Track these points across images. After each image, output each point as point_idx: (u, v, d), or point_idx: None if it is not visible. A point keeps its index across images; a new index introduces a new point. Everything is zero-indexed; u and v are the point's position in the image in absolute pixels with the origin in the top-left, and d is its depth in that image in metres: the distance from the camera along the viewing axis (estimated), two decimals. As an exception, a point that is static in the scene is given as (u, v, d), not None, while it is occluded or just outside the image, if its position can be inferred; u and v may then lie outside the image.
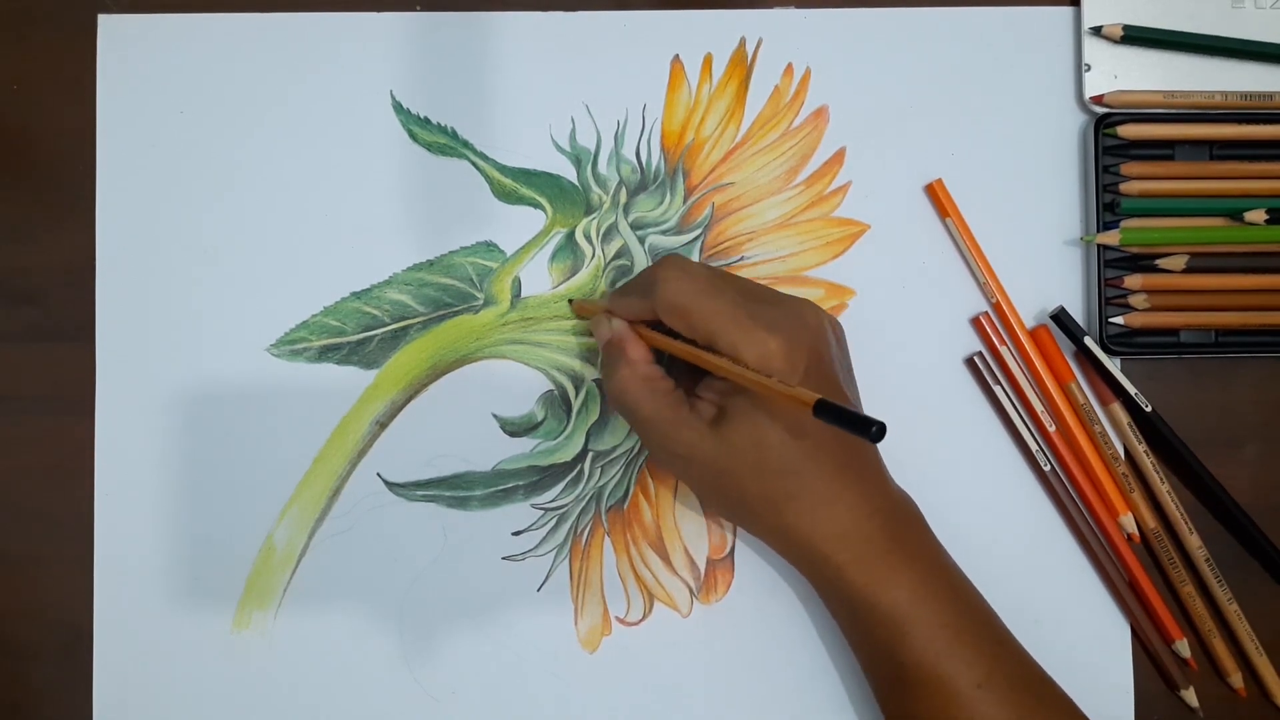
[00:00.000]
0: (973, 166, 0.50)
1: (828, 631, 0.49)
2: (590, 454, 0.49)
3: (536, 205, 0.50)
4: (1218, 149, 0.50)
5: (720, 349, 0.41)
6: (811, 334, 0.42)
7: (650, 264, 0.49)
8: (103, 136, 0.50)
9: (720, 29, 0.51)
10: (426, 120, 0.50)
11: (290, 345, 0.50)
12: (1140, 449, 0.49)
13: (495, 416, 0.49)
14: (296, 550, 0.49)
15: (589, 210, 0.50)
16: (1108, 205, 0.49)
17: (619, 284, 0.49)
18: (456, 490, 0.49)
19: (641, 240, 0.50)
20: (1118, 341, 0.49)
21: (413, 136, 0.50)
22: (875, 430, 0.36)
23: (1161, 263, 0.49)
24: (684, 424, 0.42)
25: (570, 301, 0.49)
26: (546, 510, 0.49)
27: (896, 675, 0.42)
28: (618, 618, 0.49)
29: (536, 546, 0.49)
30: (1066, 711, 0.43)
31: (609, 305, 0.46)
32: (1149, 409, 0.49)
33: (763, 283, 0.46)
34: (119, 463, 0.49)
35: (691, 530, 0.49)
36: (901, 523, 0.43)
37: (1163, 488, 0.49)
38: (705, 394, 0.44)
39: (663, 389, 0.43)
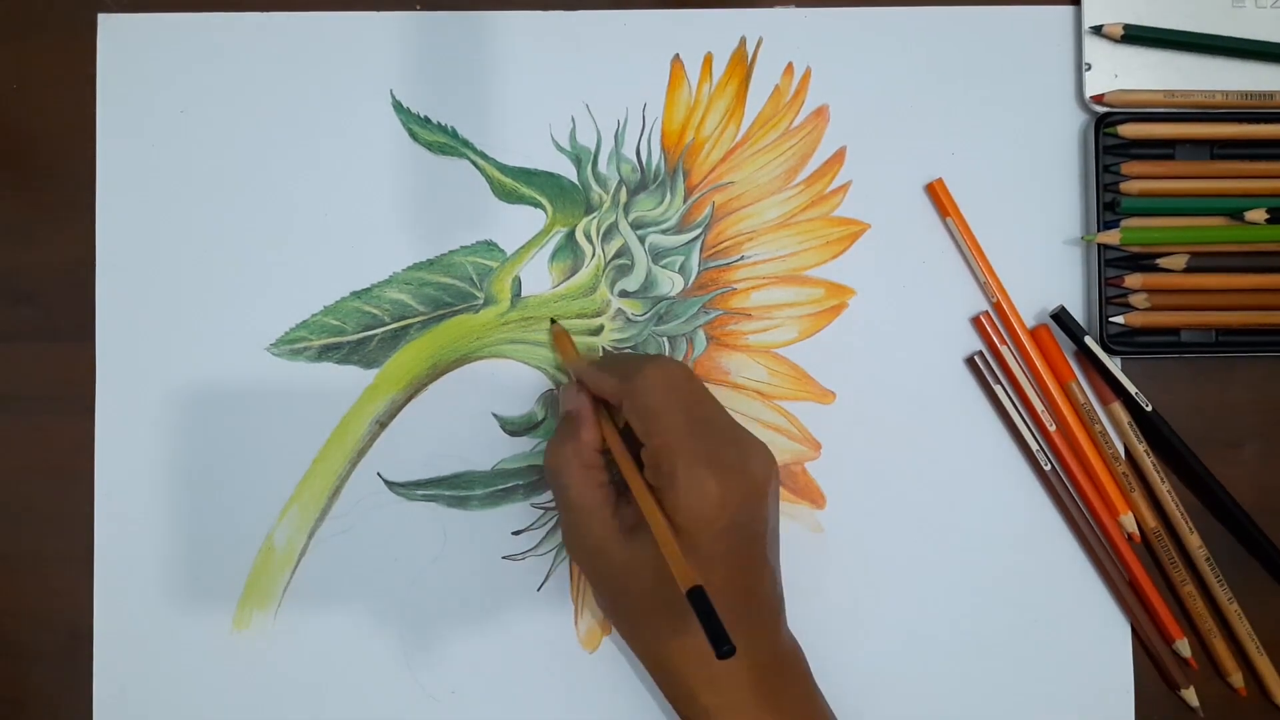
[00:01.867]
0: (973, 166, 0.50)
1: (827, 630, 0.49)
2: (590, 454, 0.49)
3: (537, 204, 0.50)
4: (1218, 148, 0.50)
5: (661, 467, 0.41)
6: (753, 487, 0.42)
7: (639, 355, 0.48)
8: (103, 136, 0.50)
9: (720, 28, 0.51)
10: (426, 120, 0.50)
11: (290, 345, 0.50)
12: (1140, 448, 0.49)
13: (495, 416, 0.49)
14: (296, 550, 0.49)
15: (589, 209, 0.50)
16: (1108, 204, 0.49)
17: (606, 352, 0.49)
18: (456, 490, 0.49)
19: (642, 240, 0.50)
20: (1118, 341, 0.49)
21: (413, 136, 0.50)
22: (725, 650, 0.35)
23: (1162, 262, 0.49)
24: (602, 523, 0.42)
25: (553, 321, 0.49)
26: (547, 510, 0.49)
27: None
28: (618, 617, 0.49)
29: (536, 546, 0.49)
30: None
31: (582, 373, 0.45)
32: (1149, 408, 0.49)
33: (731, 413, 0.45)
34: (119, 463, 0.49)
35: (692, 530, 0.49)
36: (780, 676, 0.43)
37: (1163, 487, 0.49)
38: (632, 501, 0.43)
39: (596, 480, 0.43)
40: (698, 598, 0.36)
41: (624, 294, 0.50)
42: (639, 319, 0.50)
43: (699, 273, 0.50)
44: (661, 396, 0.42)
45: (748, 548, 0.42)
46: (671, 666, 0.42)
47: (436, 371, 0.50)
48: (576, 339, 0.50)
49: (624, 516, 0.43)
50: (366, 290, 0.50)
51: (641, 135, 0.50)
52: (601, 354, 0.49)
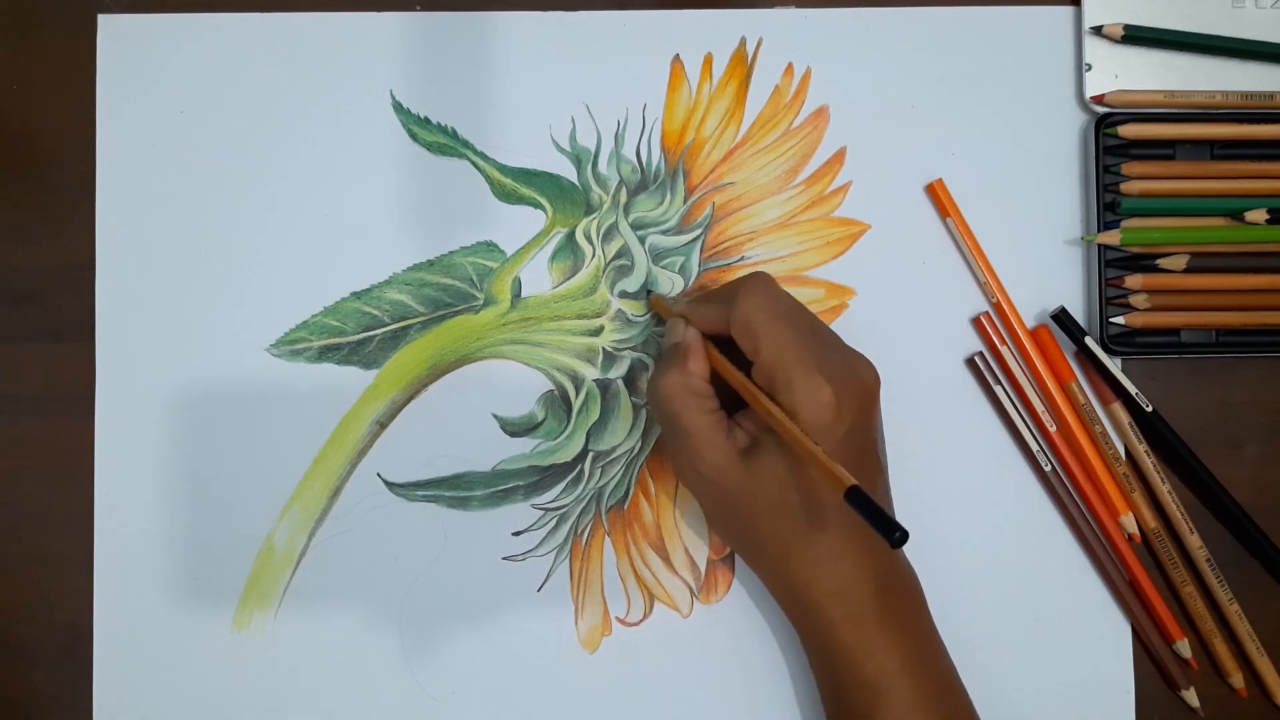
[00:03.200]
0: (973, 166, 0.50)
1: (828, 632, 0.49)
2: (590, 454, 0.49)
3: (537, 205, 0.50)
4: (1218, 149, 0.50)
5: (776, 381, 0.42)
6: (864, 393, 0.43)
7: (734, 280, 0.46)
8: (103, 136, 0.50)
9: (720, 29, 0.50)
10: (426, 120, 0.50)
11: (290, 345, 0.50)
12: (1141, 449, 0.49)
13: (495, 416, 0.49)
14: (296, 550, 0.49)
15: (589, 210, 0.50)
16: (1108, 205, 0.49)
17: (691, 292, 0.49)
18: (456, 490, 0.49)
19: (642, 240, 0.50)
20: (1118, 341, 0.49)
21: (413, 136, 0.50)
22: (898, 536, 0.36)
23: (1162, 262, 0.49)
24: (717, 447, 0.43)
25: (649, 293, 0.49)
26: (547, 510, 0.49)
27: None
28: (618, 618, 0.49)
29: (537, 547, 0.49)
30: None
31: (686, 311, 0.46)
32: (1149, 409, 0.49)
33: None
34: (119, 463, 0.49)
35: (692, 530, 0.49)
36: (899, 591, 0.44)
37: (1163, 488, 0.49)
38: (744, 422, 0.44)
39: (707, 407, 0.43)
40: (856, 495, 0.37)
41: (624, 294, 0.50)
42: (639, 319, 0.50)
43: (699, 273, 0.50)
44: (766, 312, 0.43)
45: (863, 455, 0.43)
46: (799, 580, 0.43)
47: (436, 372, 0.50)
48: (575, 340, 0.50)
49: (737, 439, 0.43)
50: (366, 291, 0.50)
51: (641, 136, 0.50)
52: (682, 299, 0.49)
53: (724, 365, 0.44)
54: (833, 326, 0.50)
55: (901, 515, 0.49)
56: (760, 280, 0.44)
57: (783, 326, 0.42)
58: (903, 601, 0.43)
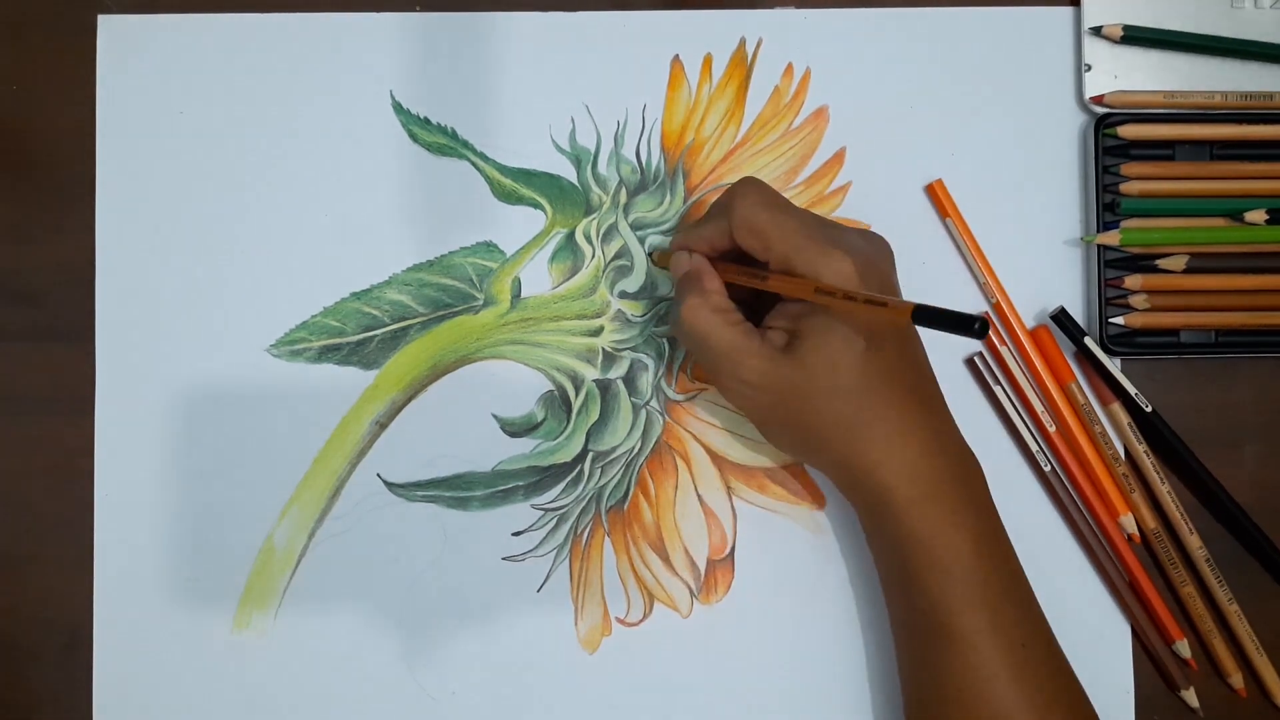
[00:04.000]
0: (973, 166, 0.50)
1: (828, 631, 0.49)
2: (590, 454, 0.49)
3: (536, 205, 0.50)
4: (1218, 149, 0.50)
5: (795, 267, 0.42)
6: (882, 257, 0.43)
7: (724, 194, 0.46)
8: (103, 136, 0.50)
9: (720, 29, 0.51)
10: (426, 120, 0.50)
11: (290, 345, 0.50)
12: (1140, 449, 0.49)
13: (495, 417, 0.49)
14: (296, 550, 0.49)
15: (589, 210, 0.50)
16: (1108, 205, 0.49)
17: (684, 223, 0.49)
18: (456, 490, 0.49)
19: (641, 240, 0.50)
20: (1118, 341, 0.49)
21: (413, 136, 0.50)
22: (979, 326, 0.35)
23: (1161, 263, 0.49)
24: (756, 352, 0.42)
25: (651, 255, 0.49)
26: (546, 511, 0.49)
27: (936, 624, 0.41)
28: (618, 618, 0.49)
29: (536, 547, 0.49)
30: (1079, 695, 0.43)
31: (683, 240, 0.46)
32: (1149, 409, 0.49)
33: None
34: (119, 463, 0.49)
35: (691, 530, 0.49)
36: (968, 473, 0.43)
37: (1163, 488, 0.49)
38: (775, 323, 0.44)
39: (734, 319, 0.43)
40: (923, 310, 0.37)
41: (624, 295, 0.50)
42: (639, 320, 0.50)
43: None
44: (765, 208, 0.43)
45: (895, 326, 0.43)
46: (865, 462, 0.42)
47: (436, 372, 0.50)
48: (575, 340, 0.50)
49: (773, 340, 0.43)
50: (366, 291, 0.50)
51: (641, 136, 0.50)
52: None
53: (740, 271, 0.44)
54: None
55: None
56: (750, 181, 0.44)
57: (785, 216, 0.42)
58: (971, 483, 0.43)
